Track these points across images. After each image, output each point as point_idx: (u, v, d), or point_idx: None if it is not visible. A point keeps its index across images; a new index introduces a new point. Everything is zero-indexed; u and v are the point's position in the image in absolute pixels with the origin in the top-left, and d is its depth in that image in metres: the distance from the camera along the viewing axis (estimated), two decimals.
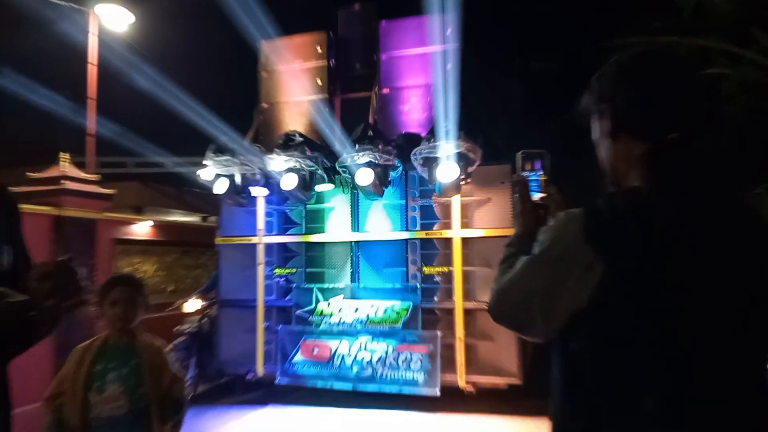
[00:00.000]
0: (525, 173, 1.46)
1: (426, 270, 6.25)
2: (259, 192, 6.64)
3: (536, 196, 1.42)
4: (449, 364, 5.97)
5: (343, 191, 6.61)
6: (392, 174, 6.16)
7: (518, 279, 1.12)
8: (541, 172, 1.46)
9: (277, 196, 6.79)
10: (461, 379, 5.92)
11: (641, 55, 1.17)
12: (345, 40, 7.44)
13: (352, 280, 6.55)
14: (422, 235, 6.31)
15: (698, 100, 1.10)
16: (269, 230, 6.91)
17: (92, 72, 8.52)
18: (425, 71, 6.70)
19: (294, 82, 7.16)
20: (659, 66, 1.13)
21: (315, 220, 6.83)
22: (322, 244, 6.74)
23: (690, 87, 1.11)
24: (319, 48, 7.14)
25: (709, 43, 7.91)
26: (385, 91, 6.85)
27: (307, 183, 6.22)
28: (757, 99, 7.71)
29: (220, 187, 6.39)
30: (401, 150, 6.09)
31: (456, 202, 6.11)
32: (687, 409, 0.94)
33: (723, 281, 0.97)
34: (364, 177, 5.80)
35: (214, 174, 6.42)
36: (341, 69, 7.34)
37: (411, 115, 6.72)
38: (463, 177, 5.62)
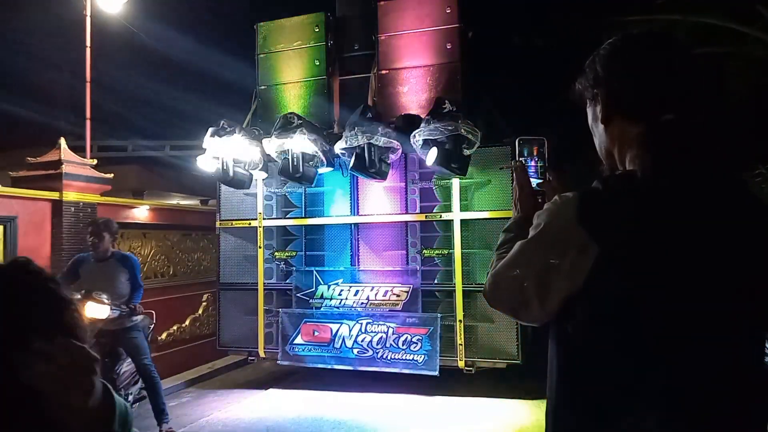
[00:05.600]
0: (523, 159, 1.45)
1: (426, 252, 6.25)
2: (258, 175, 6.61)
3: (534, 182, 1.41)
4: (449, 346, 6.01)
5: (343, 174, 6.58)
6: (391, 156, 6.12)
7: (513, 262, 1.11)
8: (538, 158, 1.45)
9: (276, 179, 6.77)
10: (461, 360, 5.96)
11: (636, 36, 1.16)
12: (343, 21, 7.32)
13: (352, 263, 6.56)
14: (422, 217, 6.29)
15: (694, 80, 1.09)
16: (269, 214, 6.90)
17: (88, 55, 8.44)
18: (425, 52, 6.60)
19: (292, 64, 7.07)
20: (654, 47, 1.11)
21: (315, 203, 6.81)
22: (322, 227, 6.74)
23: (685, 67, 1.09)
24: (317, 28, 7.03)
25: (714, 20, 7.78)
26: (384, 72, 6.76)
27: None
28: (762, 76, 7.62)
29: (219, 171, 6.34)
30: (401, 132, 6.04)
31: (456, 184, 6.08)
32: (683, 391, 0.94)
33: (718, 262, 0.96)
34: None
35: (212, 157, 6.38)
36: (340, 50, 7.24)
37: (410, 96, 6.65)
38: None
